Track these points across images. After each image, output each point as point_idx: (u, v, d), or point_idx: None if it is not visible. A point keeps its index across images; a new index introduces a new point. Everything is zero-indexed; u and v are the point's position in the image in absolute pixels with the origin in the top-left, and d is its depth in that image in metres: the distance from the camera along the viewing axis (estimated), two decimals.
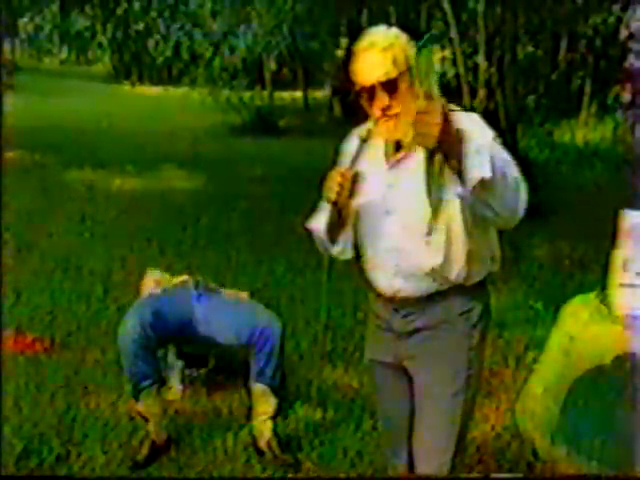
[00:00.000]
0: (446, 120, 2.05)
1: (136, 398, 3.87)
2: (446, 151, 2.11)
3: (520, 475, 3.77)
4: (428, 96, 2.10)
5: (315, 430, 4.10)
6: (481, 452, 3.88)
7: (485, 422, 4.17)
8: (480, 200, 2.21)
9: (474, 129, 2.30)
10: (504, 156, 2.31)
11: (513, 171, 2.27)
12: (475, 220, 2.45)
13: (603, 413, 3.65)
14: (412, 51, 2.48)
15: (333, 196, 2.50)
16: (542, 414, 3.96)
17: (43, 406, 4.28)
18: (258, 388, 3.89)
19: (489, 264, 2.64)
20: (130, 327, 3.82)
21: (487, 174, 2.11)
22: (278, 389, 3.92)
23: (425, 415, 2.67)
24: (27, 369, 4.73)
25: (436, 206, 2.32)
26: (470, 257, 2.53)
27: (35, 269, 6.75)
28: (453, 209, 2.42)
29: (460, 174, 2.15)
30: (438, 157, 2.15)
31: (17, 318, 5.48)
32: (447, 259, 2.51)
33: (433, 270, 2.53)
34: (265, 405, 3.88)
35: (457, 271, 2.54)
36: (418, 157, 2.36)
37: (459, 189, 2.19)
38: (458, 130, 2.11)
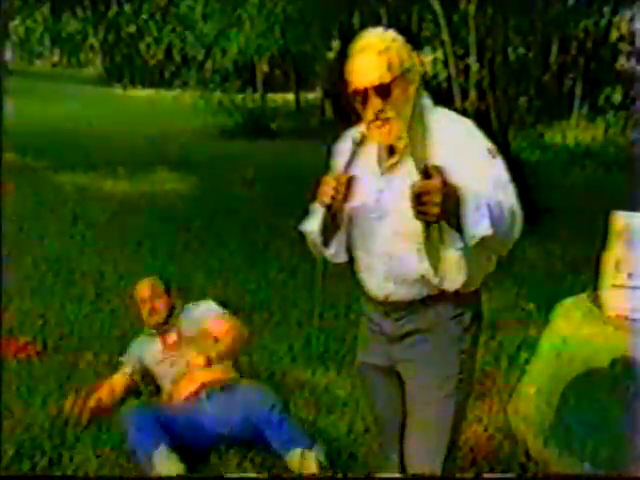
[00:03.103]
0: (445, 191, 2.05)
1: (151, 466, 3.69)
2: (445, 216, 2.12)
3: (512, 475, 3.77)
4: (428, 173, 2.08)
5: (308, 432, 4.09)
6: (474, 453, 3.88)
7: (478, 423, 4.17)
8: (478, 248, 2.23)
9: (470, 155, 2.34)
10: (500, 175, 2.34)
11: (509, 197, 2.29)
12: None
13: (596, 414, 3.65)
14: (408, 54, 2.48)
15: (327, 200, 2.48)
16: (534, 415, 3.96)
17: (35, 410, 4.26)
18: (297, 453, 3.71)
19: (485, 270, 2.62)
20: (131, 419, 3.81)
21: (488, 232, 2.12)
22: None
23: (416, 418, 2.66)
24: (19, 372, 4.71)
25: (436, 263, 2.34)
26: (465, 267, 2.51)
27: (27, 272, 6.73)
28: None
29: (458, 229, 2.15)
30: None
31: (9, 321, 5.46)
32: (440, 269, 2.48)
33: (424, 277, 2.52)
34: (312, 464, 3.70)
35: (451, 281, 2.52)
36: (411, 162, 2.36)
37: (458, 244, 2.21)
38: (455, 191, 2.11)
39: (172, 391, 4.15)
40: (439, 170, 2.08)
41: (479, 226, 2.13)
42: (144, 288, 4.57)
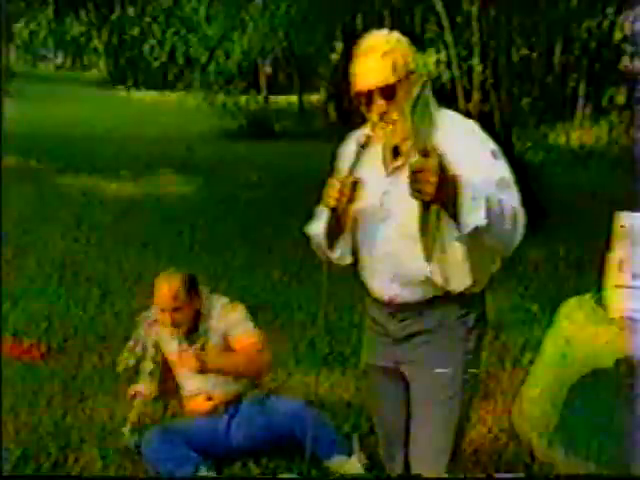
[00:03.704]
0: (442, 173, 2.07)
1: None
2: (442, 201, 2.14)
3: (522, 475, 3.77)
4: (425, 152, 2.10)
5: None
6: (478, 454, 3.88)
7: (482, 424, 4.17)
8: (476, 242, 2.25)
9: (473, 154, 2.34)
10: (503, 175, 2.35)
11: (511, 198, 2.30)
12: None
13: (600, 414, 3.66)
14: (412, 56, 2.49)
15: (332, 203, 2.48)
16: (539, 416, 3.97)
17: (40, 411, 4.27)
18: (341, 461, 3.77)
19: (490, 271, 2.63)
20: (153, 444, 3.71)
21: (482, 222, 2.14)
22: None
23: (422, 419, 2.67)
24: (24, 375, 4.72)
25: (430, 250, 2.34)
26: (471, 268, 2.51)
27: (31, 275, 6.75)
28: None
29: (455, 218, 2.17)
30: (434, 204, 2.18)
31: (14, 324, 5.48)
32: (446, 270, 2.50)
33: (429, 278, 2.52)
34: (356, 469, 3.76)
35: (457, 283, 2.53)
36: None
37: (455, 234, 2.22)
38: (454, 177, 2.13)
39: (189, 402, 4.00)
40: (438, 152, 2.10)
41: (474, 216, 2.14)
42: (164, 295, 3.82)
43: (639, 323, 3.73)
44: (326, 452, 3.76)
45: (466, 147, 2.36)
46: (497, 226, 2.20)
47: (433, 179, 2.06)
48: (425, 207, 2.21)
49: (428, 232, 2.30)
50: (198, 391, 3.95)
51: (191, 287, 3.89)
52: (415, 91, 2.38)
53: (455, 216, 2.17)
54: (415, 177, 2.09)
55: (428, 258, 2.39)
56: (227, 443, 3.86)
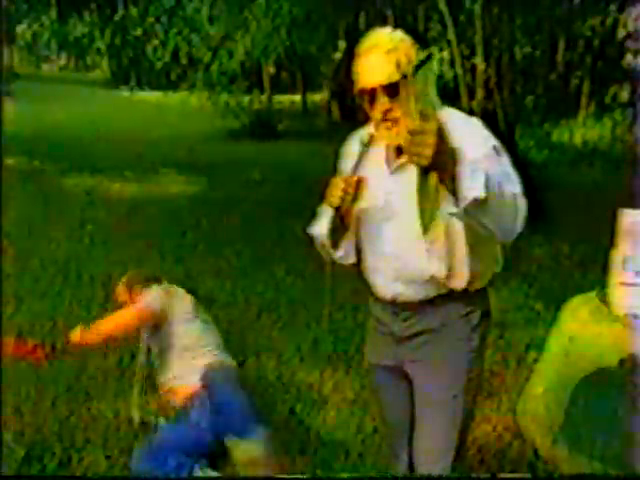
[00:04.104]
0: (441, 140, 2.04)
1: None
2: (440, 170, 2.09)
3: (527, 475, 3.77)
4: (424, 116, 2.08)
5: (317, 433, 4.10)
6: (483, 452, 3.88)
7: (486, 422, 4.17)
8: (474, 219, 2.20)
9: (473, 141, 2.30)
10: (505, 168, 2.32)
11: (512, 186, 2.26)
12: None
13: (604, 413, 3.65)
14: (415, 55, 2.48)
15: (336, 202, 2.48)
16: (543, 414, 3.96)
17: (45, 412, 4.28)
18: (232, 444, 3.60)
19: (493, 267, 2.63)
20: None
21: (480, 195, 2.09)
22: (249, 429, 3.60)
23: (426, 417, 2.67)
24: (28, 375, 4.72)
25: (428, 223, 2.32)
26: (473, 264, 2.52)
27: (35, 275, 6.75)
28: (453, 219, 2.39)
29: (454, 193, 2.13)
30: (433, 175, 2.14)
31: (18, 324, 5.48)
32: (448, 267, 2.51)
33: (433, 277, 2.52)
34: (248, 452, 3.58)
35: (459, 279, 2.53)
36: None
37: (452, 208, 2.17)
38: (453, 149, 2.09)
39: (167, 398, 3.95)
40: (438, 118, 2.07)
41: (472, 188, 2.09)
42: (117, 293, 4.26)
43: None
44: (237, 429, 3.58)
45: (468, 142, 2.33)
46: (495, 205, 2.15)
47: (431, 141, 2.01)
48: (423, 173, 2.17)
49: (426, 202, 2.25)
50: (166, 385, 3.90)
51: (136, 284, 4.23)
52: (419, 55, 2.36)
53: (454, 191, 2.13)
54: (413, 139, 2.04)
55: (425, 230, 2.34)
56: (210, 437, 3.66)
